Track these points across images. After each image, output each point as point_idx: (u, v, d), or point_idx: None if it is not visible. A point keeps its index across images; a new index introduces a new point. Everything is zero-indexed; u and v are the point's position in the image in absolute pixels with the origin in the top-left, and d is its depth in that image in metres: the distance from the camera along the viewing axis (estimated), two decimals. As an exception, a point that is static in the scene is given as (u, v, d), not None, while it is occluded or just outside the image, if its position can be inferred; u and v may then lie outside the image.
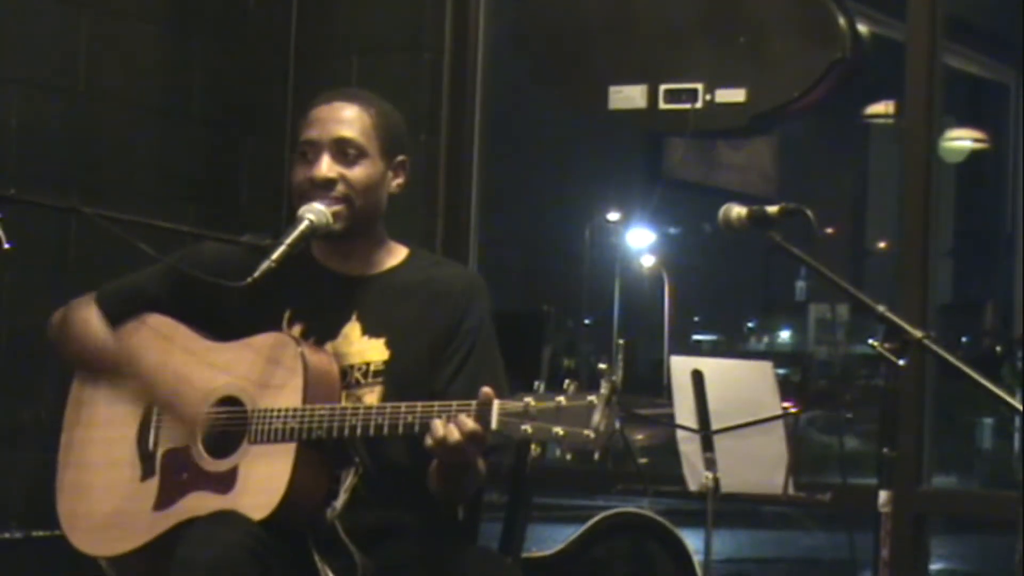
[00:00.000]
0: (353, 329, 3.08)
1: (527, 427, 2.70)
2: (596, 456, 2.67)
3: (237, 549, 2.78)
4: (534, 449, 2.72)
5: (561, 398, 2.69)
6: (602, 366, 2.69)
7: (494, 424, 2.74)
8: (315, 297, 3.10)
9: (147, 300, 3.19)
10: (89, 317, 3.18)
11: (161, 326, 3.15)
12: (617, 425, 2.69)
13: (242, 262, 3.02)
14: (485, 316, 3.13)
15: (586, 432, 2.65)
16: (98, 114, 4.45)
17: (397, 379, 3.04)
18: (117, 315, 3.19)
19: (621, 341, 2.88)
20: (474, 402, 2.78)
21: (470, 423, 2.77)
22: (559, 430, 2.67)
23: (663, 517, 4.28)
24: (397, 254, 3.19)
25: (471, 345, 3.09)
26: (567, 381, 2.70)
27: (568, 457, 2.69)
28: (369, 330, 3.08)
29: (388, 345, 3.07)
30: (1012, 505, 4.24)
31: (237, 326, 3.08)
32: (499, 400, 2.75)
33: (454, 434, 2.78)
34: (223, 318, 3.11)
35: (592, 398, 2.67)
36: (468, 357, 3.08)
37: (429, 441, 2.81)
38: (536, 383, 2.74)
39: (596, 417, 2.65)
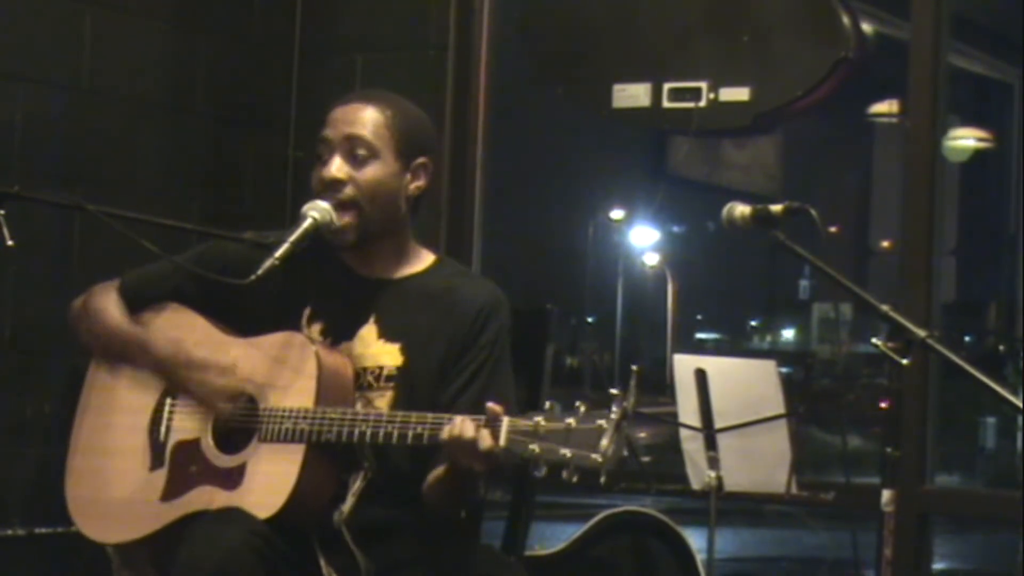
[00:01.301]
0: (370, 332, 3.07)
1: (535, 446, 2.68)
2: (602, 480, 2.65)
3: (242, 549, 2.78)
4: (539, 471, 2.70)
5: (571, 420, 2.67)
6: (614, 391, 2.67)
7: (502, 441, 2.72)
8: (335, 297, 3.09)
9: (169, 290, 3.18)
10: (107, 304, 3.18)
11: (179, 317, 3.15)
12: (625, 452, 2.68)
13: (261, 261, 3.02)
14: (502, 334, 3.09)
15: (594, 456, 2.63)
16: (102, 111, 4.45)
17: (409, 386, 3.03)
18: (138, 303, 3.19)
19: (635, 367, 2.83)
20: (483, 417, 2.77)
21: (488, 439, 2.75)
22: (567, 452, 2.65)
23: (666, 516, 4.28)
24: (423, 260, 3.17)
25: (483, 361, 3.05)
26: (578, 402, 2.69)
27: (574, 480, 2.67)
28: (385, 334, 3.07)
29: (403, 351, 3.05)
30: (1015, 504, 4.24)
31: (258, 321, 3.07)
32: (509, 417, 2.74)
33: (469, 430, 2.77)
34: (245, 312, 3.10)
35: (602, 422, 2.65)
36: (479, 373, 3.05)
37: (445, 435, 2.80)
38: (548, 402, 2.73)
39: (605, 441, 2.63)
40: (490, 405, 2.76)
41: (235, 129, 4.84)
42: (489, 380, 3.04)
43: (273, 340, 3.02)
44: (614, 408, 2.65)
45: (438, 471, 2.94)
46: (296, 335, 3.02)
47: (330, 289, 3.09)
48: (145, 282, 3.21)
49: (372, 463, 2.94)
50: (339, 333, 3.07)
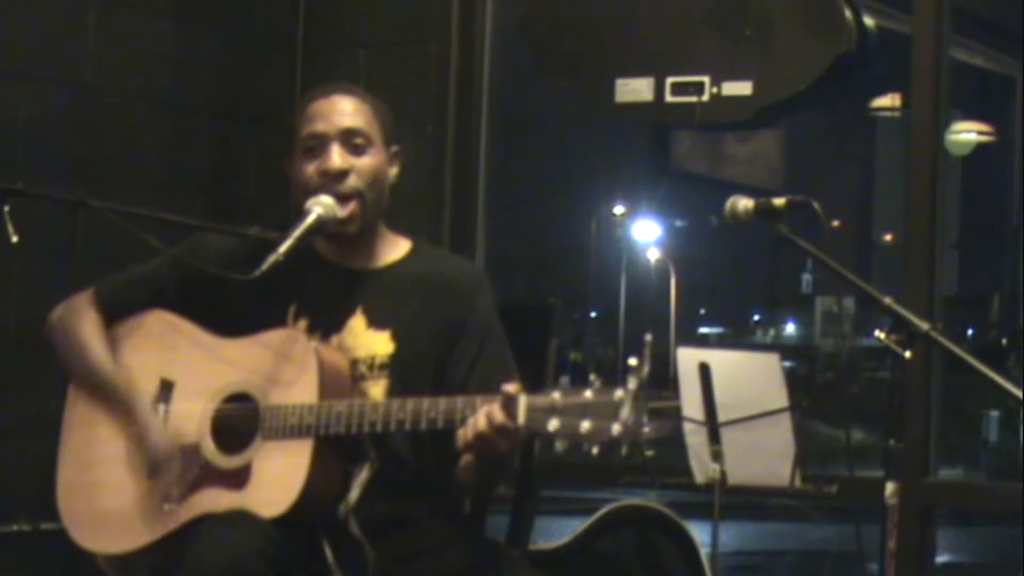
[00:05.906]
0: (358, 322, 3.08)
1: (554, 422, 2.68)
2: (624, 451, 2.65)
3: (250, 553, 2.76)
4: (559, 446, 2.70)
5: (588, 393, 2.66)
6: (632, 361, 2.66)
7: (521, 419, 2.72)
8: (320, 291, 3.10)
9: (149, 296, 3.17)
10: (85, 329, 3.15)
11: (163, 325, 3.13)
12: (645, 419, 2.67)
13: (245, 255, 3.03)
14: (491, 309, 3.14)
15: (615, 427, 2.63)
16: (105, 108, 4.45)
17: (402, 372, 3.04)
18: (118, 314, 3.17)
19: (648, 336, 2.85)
20: (500, 396, 2.77)
21: (499, 416, 2.75)
22: (587, 425, 2.65)
23: (670, 509, 4.28)
24: (400, 247, 3.19)
25: (483, 338, 3.08)
26: (592, 375, 2.68)
27: (594, 451, 2.66)
28: (374, 323, 3.08)
29: (393, 338, 3.06)
30: (1018, 497, 4.24)
31: (242, 320, 3.06)
32: (526, 395, 2.74)
33: (481, 423, 2.77)
34: (228, 311, 3.09)
35: (620, 393, 2.65)
36: (481, 350, 3.08)
37: (468, 434, 2.80)
38: (562, 378, 2.72)
39: (625, 411, 2.63)
40: (506, 386, 2.76)
41: (238, 125, 4.85)
42: (492, 356, 3.07)
43: (270, 338, 3.01)
44: (631, 378, 2.64)
45: (468, 459, 2.94)
46: (294, 332, 3.03)
47: (313, 284, 3.09)
48: (124, 291, 3.19)
49: (376, 453, 2.95)
50: (327, 327, 3.07)
